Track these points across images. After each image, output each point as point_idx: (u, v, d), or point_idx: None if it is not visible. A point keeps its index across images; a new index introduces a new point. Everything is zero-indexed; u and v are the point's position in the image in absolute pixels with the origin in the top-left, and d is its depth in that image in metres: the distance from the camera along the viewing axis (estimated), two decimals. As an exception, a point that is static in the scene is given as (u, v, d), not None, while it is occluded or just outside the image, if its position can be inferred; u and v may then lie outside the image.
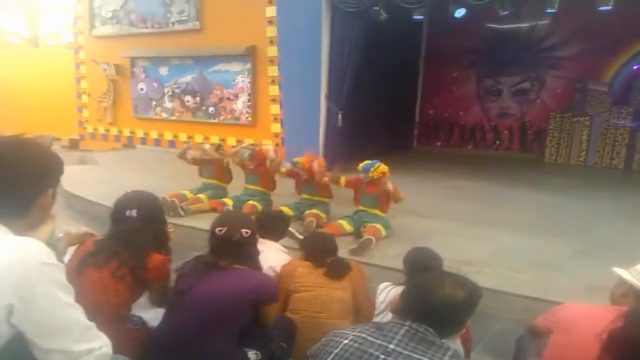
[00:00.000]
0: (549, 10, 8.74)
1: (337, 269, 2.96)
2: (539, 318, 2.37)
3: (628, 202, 7.64)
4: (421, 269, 2.55)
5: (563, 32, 11.61)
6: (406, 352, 1.57)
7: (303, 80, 9.63)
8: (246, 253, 2.48)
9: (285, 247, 3.58)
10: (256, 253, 2.59)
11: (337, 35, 9.31)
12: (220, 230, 2.44)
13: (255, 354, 2.44)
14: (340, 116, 9.56)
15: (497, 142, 13.15)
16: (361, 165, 5.40)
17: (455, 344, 2.61)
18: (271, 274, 2.98)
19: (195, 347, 2.24)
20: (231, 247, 2.42)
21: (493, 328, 3.69)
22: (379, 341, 1.62)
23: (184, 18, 11.42)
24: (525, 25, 11.99)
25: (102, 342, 1.47)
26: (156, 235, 2.63)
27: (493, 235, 5.56)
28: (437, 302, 1.65)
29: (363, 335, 1.66)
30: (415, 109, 13.80)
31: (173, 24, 11.62)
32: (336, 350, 1.64)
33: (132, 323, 2.50)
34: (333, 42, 9.36)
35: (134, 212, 2.55)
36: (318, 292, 2.89)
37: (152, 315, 2.57)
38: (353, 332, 1.69)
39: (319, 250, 3.08)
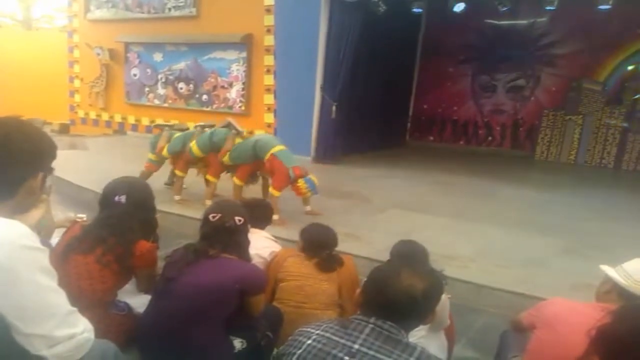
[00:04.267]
0: (548, 8, 8.75)
1: (329, 263, 2.95)
2: (523, 313, 2.38)
3: (616, 201, 7.73)
4: (407, 262, 2.55)
5: (561, 30, 11.64)
6: (371, 353, 1.51)
7: (299, 71, 9.60)
8: (237, 242, 2.46)
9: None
10: (246, 243, 2.57)
11: (335, 26, 9.27)
12: (214, 217, 2.43)
13: (241, 342, 2.43)
14: (334, 108, 9.54)
15: (489, 138, 13.19)
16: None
17: (439, 337, 2.62)
18: (259, 261, 2.98)
19: (181, 335, 2.23)
20: (223, 234, 2.41)
21: (477, 322, 3.71)
22: (343, 340, 1.56)
23: (180, 4, 11.33)
24: (523, 22, 12.01)
25: (84, 327, 1.45)
26: (144, 222, 2.60)
27: (481, 231, 5.59)
28: (394, 295, 1.58)
29: (327, 334, 1.60)
30: (409, 103, 13.80)
31: (169, 9, 11.53)
32: (299, 352, 1.60)
33: (118, 309, 2.47)
34: (330, 33, 9.32)
35: (122, 198, 2.51)
36: (303, 282, 2.88)
37: (138, 302, 2.55)
38: (317, 330, 1.64)
39: (316, 242, 3.05)
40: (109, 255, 2.36)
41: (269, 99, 10.51)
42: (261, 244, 3.16)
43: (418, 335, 2.41)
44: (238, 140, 5.80)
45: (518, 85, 12.63)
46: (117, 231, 2.42)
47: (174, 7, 11.45)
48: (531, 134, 12.53)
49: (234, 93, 11.17)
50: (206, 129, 6.11)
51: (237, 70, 10.99)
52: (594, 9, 8.69)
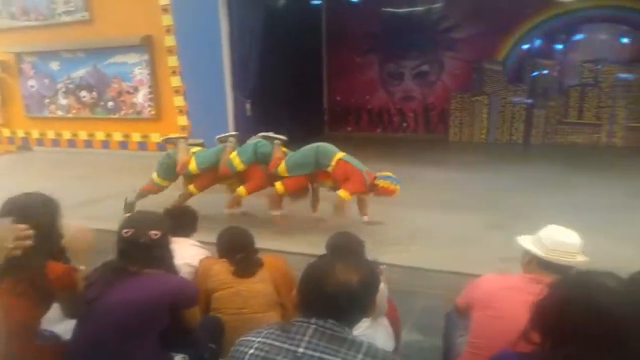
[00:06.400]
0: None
1: (244, 267, 2.84)
2: (459, 297, 2.40)
3: (530, 174, 8.10)
4: (343, 254, 2.48)
5: (456, 14, 12.00)
6: (317, 355, 1.46)
7: (205, 70, 9.40)
8: (156, 257, 2.31)
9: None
10: (169, 256, 2.41)
11: (237, 21, 9.16)
12: (126, 232, 2.27)
13: (183, 357, 2.36)
14: (248, 105, 9.39)
15: (404, 124, 13.47)
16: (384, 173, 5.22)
17: (384, 326, 2.58)
18: (189, 270, 2.88)
19: (113, 358, 2.12)
20: (139, 250, 2.25)
21: (419, 305, 3.75)
22: (286, 345, 1.50)
23: (70, 9, 10.72)
24: (420, 8, 12.29)
25: None
26: (48, 241, 2.34)
27: (409, 215, 5.69)
28: (332, 292, 1.53)
29: (269, 341, 1.54)
30: (322, 95, 13.88)
31: (59, 15, 10.88)
32: None
33: (44, 339, 2.30)
34: (233, 29, 9.19)
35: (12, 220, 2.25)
36: (237, 287, 2.79)
37: (66, 328, 2.38)
38: (258, 337, 1.58)
39: (228, 247, 2.96)
40: (22, 283, 2.12)
41: (179, 101, 10.22)
42: (189, 253, 3.04)
43: (363, 327, 2.37)
44: (284, 149, 5.51)
45: (423, 71, 12.93)
46: (21, 257, 2.16)
47: (64, 12, 10.81)
48: (443, 117, 12.87)
49: (140, 97, 10.77)
50: (230, 140, 5.69)
51: (141, 73, 10.59)
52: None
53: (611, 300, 1.24)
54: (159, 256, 2.32)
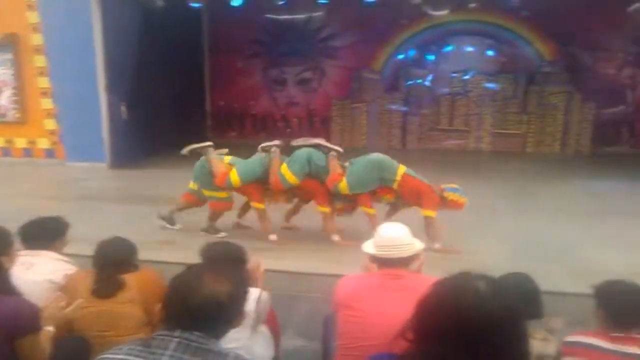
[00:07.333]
0: (321, 1, 9.23)
1: (102, 287, 2.60)
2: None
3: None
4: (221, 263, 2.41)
5: (336, 23, 12.37)
6: None
7: (76, 71, 8.94)
8: None
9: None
10: (2, 273, 2.16)
11: (112, 21, 8.83)
12: None
13: None
14: (123, 108, 9.05)
15: (288, 130, 13.58)
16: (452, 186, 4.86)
17: (263, 334, 2.54)
18: (50, 287, 2.63)
19: None
20: None
21: (302, 310, 3.77)
22: None
23: None
24: (301, 16, 12.51)
25: None
26: None
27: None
28: (199, 303, 1.50)
29: (130, 357, 1.47)
30: (205, 100, 13.65)
31: None
32: None
33: None
34: (108, 29, 8.83)
35: None
36: (99, 308, 2.56)
37: None
38: (118, 355, 1.50)
39: (98, 261, 2.70)
40: None
41: (47, 103, 9.63)
42: (50, 268, 2.78)
43: (243, 340, 2.31)
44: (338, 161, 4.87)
45: (306, 78, 13.17)
46: None
47: None
48: (325, 123, 13.16)
49: (4, 99, 9.98)
50: (273, 150, 5.00)
51: (4, 74, 9.82)
52: (362, 2, 9.37)
53: (474, 302, 1.28)
54: None
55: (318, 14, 12.39)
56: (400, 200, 4.93)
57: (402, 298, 2.05)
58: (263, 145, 5.14)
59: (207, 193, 5.17)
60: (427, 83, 12.47)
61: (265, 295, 2.58)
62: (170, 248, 4.72)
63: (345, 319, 2.22)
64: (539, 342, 2.12)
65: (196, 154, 5.21)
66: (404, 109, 12.56)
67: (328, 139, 12.47)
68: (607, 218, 6.09)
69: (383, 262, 2.33)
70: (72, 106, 9.12)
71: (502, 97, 12.10)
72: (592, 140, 11.81)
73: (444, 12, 10.89)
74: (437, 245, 4.61)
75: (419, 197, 4.73)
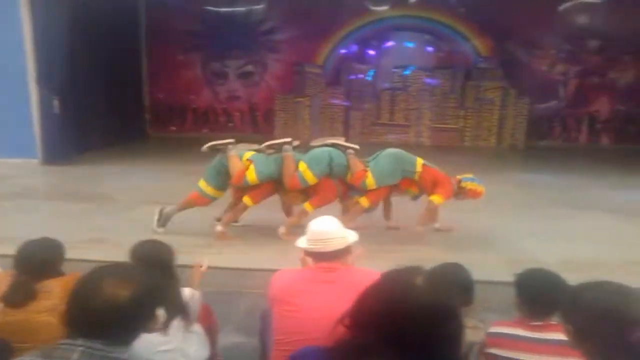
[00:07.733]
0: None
1: (14, 296, 2.32)
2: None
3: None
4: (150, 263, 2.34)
5: (277, 16, 12.34)
6: None
7: (3, 64, 8.52)
8: None
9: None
10: None
11: (41, 11, 8.45)
12: None
13: None
14: (56, 102, 8.73)
15: (230, 124, 13.43)
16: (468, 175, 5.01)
17: (197, 334, 2.48)
18: None
19: None
20: None
21: (242, 306, 3.72)
22: None
23: None
24: (241, 9, 12.40)
25: None
26: None
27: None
28: (98, 309, 1.40)
29: None
30: (142, 94, 13.27)
31: None
32: None
33: None
34: (37, 21, 8.48)
35: None
36: (15, 317, 2.31)
37: None
38: None
39: (19, 263, 2.45)
40: None
41: (-29, 97, 8.98)
42: None
43: (176, 340, 2.23)
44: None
45: (248, 72, 13.07)
46: None
47: None
48: (268, 117, 13.10)
49: None
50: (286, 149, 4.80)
51: None
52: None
53: (408, 293, 1.28)
54: None
55: (259, 7, 12.31)
56: (421, 192, 5.04)
57: (335, 291, 2.07)
58: (269, 143, 4.99)
59: (201, 185, 5.07)
60: (368, 78, 12.60)
61: (197, 295, 2.54)
62: (101, 248, 4.55)
63: (280, 313, 2.21)
64: (470, 330, 2.17)
65: (215, 151, 5.05)
66: (347, 103, 12.66)
67: (272, 134, 12.59)
68: (540, 209, 6.35)
69: (317, 256, 2.34)
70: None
71: (440, 93, 12.39)
72: (526, 135, 12.31)
73: (385, 8, 11.08)
74: (437, 225, 5.14)
75: (435, 185, 4.84)
